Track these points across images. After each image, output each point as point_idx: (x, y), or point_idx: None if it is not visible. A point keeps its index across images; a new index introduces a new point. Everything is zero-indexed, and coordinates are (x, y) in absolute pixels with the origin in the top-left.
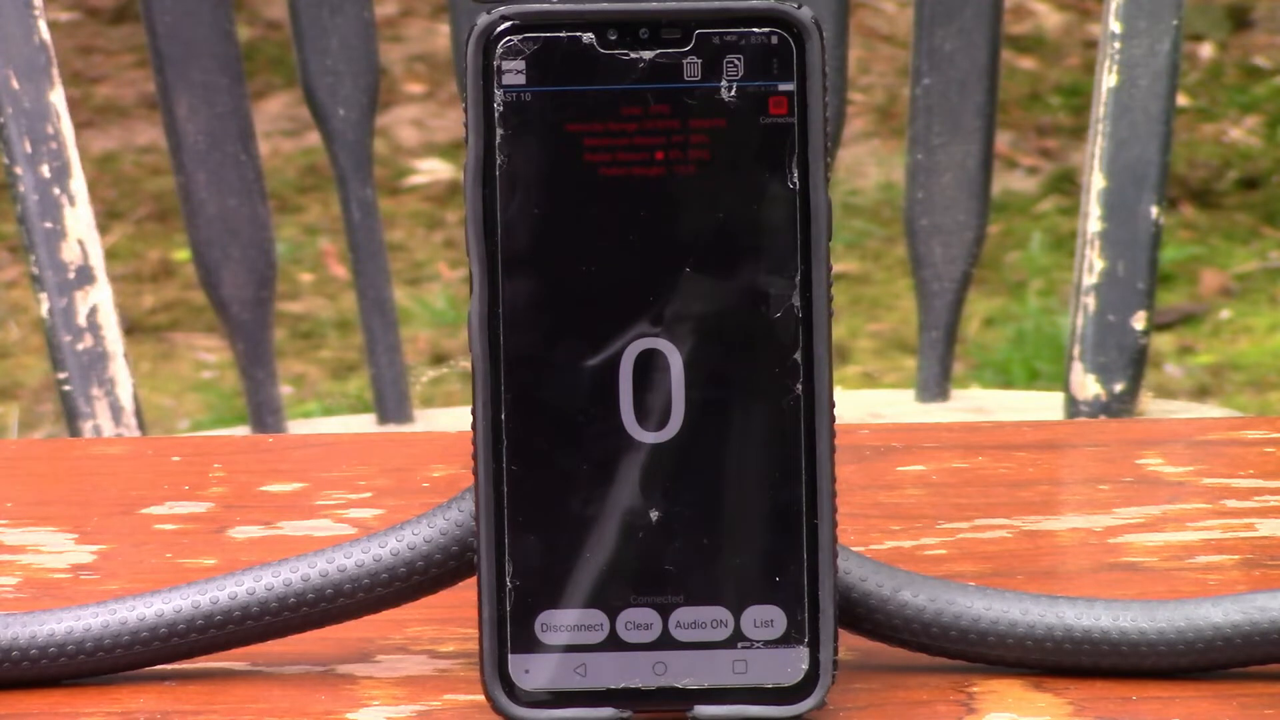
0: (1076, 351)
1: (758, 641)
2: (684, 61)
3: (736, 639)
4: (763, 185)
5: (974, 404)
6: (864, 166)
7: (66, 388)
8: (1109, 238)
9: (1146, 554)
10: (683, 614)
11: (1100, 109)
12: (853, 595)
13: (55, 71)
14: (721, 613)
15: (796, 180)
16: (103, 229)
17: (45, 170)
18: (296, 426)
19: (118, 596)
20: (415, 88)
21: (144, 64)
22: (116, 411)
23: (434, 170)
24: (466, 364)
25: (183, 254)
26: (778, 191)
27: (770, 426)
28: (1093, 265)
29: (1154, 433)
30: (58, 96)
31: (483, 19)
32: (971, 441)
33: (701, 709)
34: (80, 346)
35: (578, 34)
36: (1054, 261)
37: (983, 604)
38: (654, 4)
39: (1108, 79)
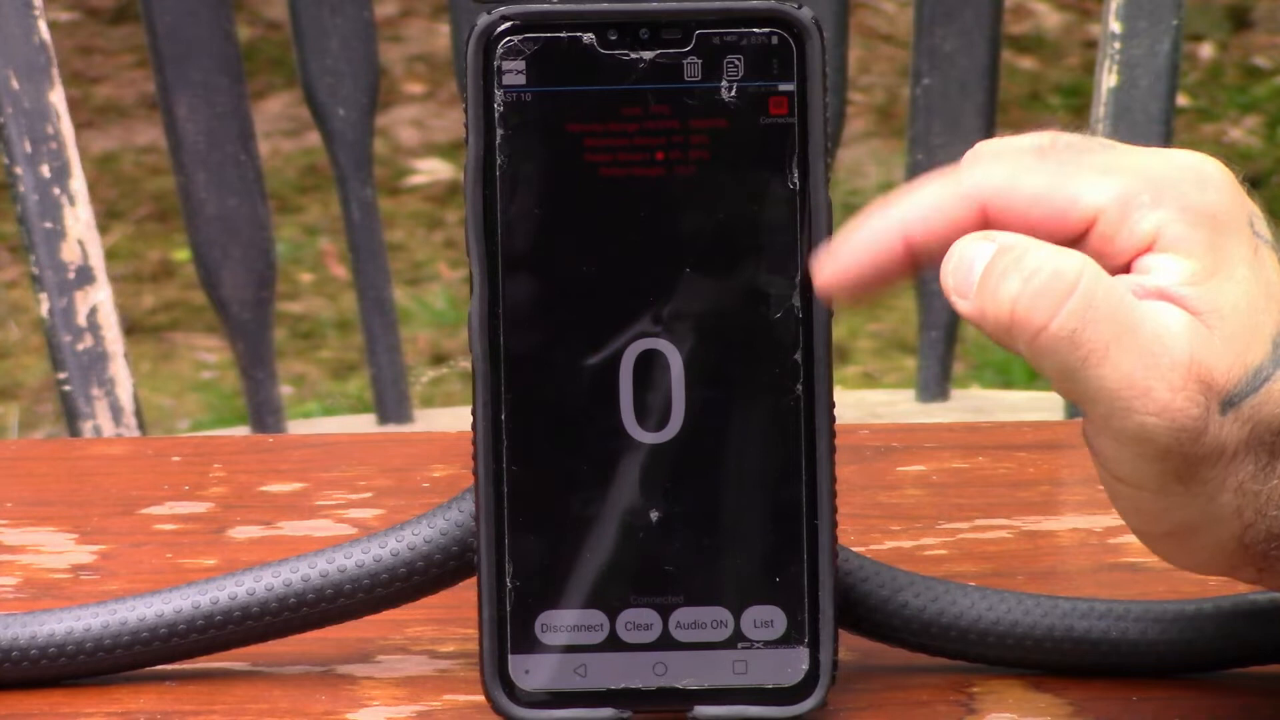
0: None
1: (758, 642)
2: (684, 62)
3: (736, 639)
4: (763, 185)
5: (974, 404)
6: (864, 166)
7: (66, 388)
8: None
9: (1146, 554)
10: (683, 614)
11: (1100, 109)
12: (853, 595)
13: (55, 71)
14: (721, 613)
15: (796, 180)
16: (103, 229)
17: (45, 170)
18: (296, 426)
19: (118, 596)
20: (415, 88)
21: (144, 64)
22: (116, 411)
23: (434, 170)
24: (466, 364)
25: (183, 254)
26: (778, 192)
27: (770, 427)
28: None
29: None
30: (58, 96)
31: (483, 19)
32: (971, 441)
33: (701, 709)
34: (80, 346)
35: (578, 34)
36: None
37: (983, 604)
38: (654, 4)
39: (1108, 79)
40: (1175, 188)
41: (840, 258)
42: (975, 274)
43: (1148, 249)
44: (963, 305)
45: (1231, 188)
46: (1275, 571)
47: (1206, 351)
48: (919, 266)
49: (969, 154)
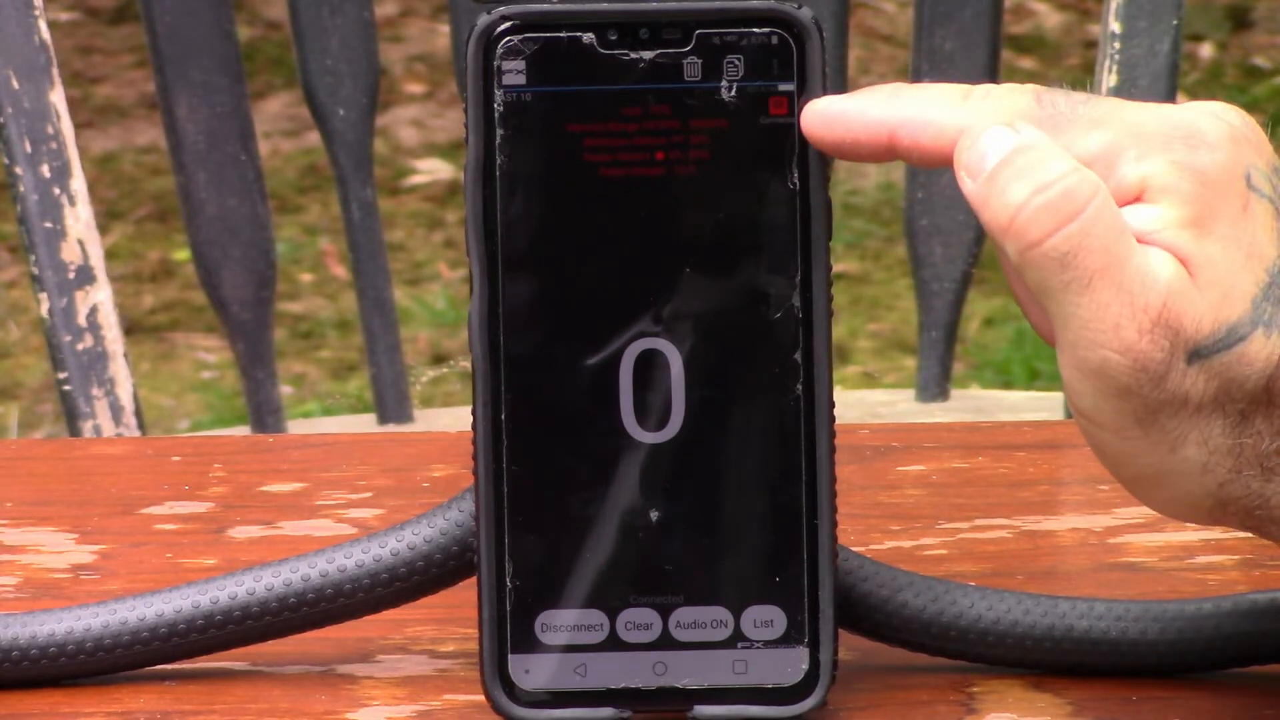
0: None
1: (758, 641)
2: (684, 62)
3: (736, 639)
4: (763, 185)
5: (974, 404)
6: (864, 166)
7: (66, 388)
8: None
9: (1146, 554)
10: (683, 614)
11: None
12: (853, 595)
13: (55, 71)
14: (721, 613)
15: (796, 180)
16: (103, 229)
17: (45, 170)
18: (296, 426)
19: (118, 596)
20: (415, 88)
21: (144, 64)
22: (116, 411)
23: (434, 170)
24: (466, 364)
25: (183, 254)
26: (778, 191)
27: (770, 426)
28: None
29: None
30: (58, 96)
31: (483, 19)
32: (971, 441)
33: (701, 709)
34: (80, 346)
35: (578, 34)
36: None
37: (983, 604)
38: (654, 4)
39: (1108, 79)
40: (1164, 145)
41: (831, 121)
42: (990, 160)
43: (1135, 199)
44: (968, 185)
45: (1227, 144)
46: (1264, 531)
47: (1181, 300)
48: (896, 158)
49: (978, 89)
